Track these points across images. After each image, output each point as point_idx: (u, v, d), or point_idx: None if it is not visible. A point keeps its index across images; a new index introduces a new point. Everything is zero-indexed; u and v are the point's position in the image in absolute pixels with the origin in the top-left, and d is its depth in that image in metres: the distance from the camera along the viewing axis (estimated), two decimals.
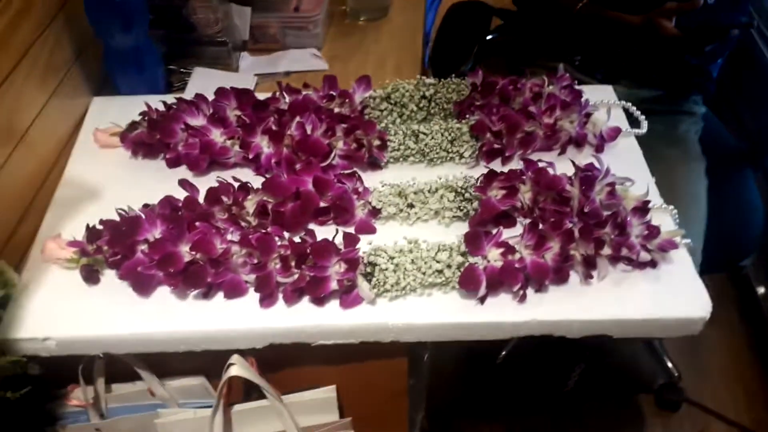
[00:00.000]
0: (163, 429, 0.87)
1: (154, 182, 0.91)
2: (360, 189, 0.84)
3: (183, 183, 0.82)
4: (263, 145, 0.89)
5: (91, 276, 0.77)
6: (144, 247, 0.75)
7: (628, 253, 0.77)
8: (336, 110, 0.95)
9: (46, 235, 0.83)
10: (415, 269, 0.75)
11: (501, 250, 0.75)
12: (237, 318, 0.75)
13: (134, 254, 0.75)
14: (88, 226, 0.79)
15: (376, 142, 0.90)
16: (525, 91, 0.97)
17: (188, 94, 1.10)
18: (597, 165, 0.85)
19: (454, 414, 1.63)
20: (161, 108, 0.94)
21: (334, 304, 0.76)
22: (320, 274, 0.73)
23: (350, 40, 1.25)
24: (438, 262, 0.75)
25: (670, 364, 1.65)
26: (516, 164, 0.92)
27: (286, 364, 0.86)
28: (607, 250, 0.77)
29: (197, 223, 0.75)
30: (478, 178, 0.84)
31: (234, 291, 0.75)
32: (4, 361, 0.71)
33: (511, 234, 0.78)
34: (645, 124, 0.99)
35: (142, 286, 0.75)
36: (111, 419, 0.90)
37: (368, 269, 0.75)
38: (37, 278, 0.79)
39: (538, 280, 0.75)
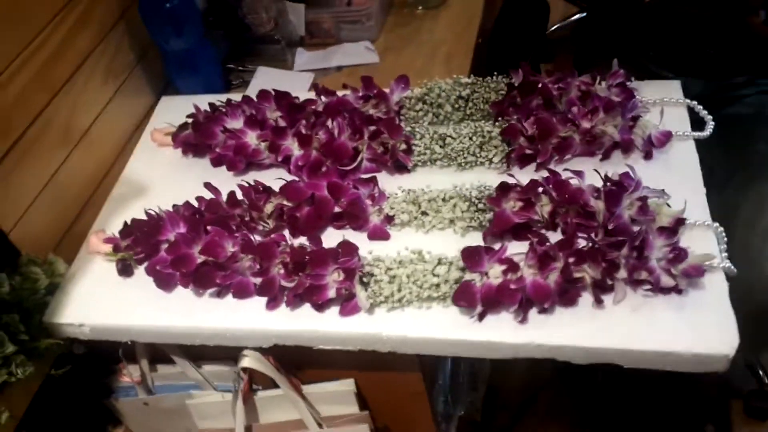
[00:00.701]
0: (194, 409, 0.95)
1: (200, 181, 0.96)
2: (376, 194, 0.84)
3: (207, 185, 0.86)
4: (293, 147, 0.92)
5: (125, 269, 0.84)
6: (166, 246, 0.81)
7: (648, 277, 0.71)
8: (371, 112, 0.95)
9: (98, 228, 0.92)
10: (411, 282, 0.74)
11: (503, 267, 0.72)
12: (245, 318, 0.78)
13: (157, 253, 0.81)
14: (125, 223, 0.87)
15: (402, 146, 0.89)
16: (571, 90, 0.91)
17: (251, 93, 1.16)
18: (632, 175, 0.78)
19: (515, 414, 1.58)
20: (209, 108, 0.99)
21: (334, 310, 0.77)
22: (317, 282, 0.74)
23: (405, 30, 1.23)
24: (435, 275, 0.74)
25: (761, 371, 1.50)
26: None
27: (307, 360, 0.89)
28: (622, 273, 0.71)
29: (209, 228, 0.79)
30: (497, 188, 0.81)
31: (242, 292, 0.79)
32: (47, 343, 0.81)
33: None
34: (710, 126, 0.88)
35: (163, 282, 0.81)
36: (157, 395, 0.99)
37: (366, 279, 0.75)
38: (83, 269, 0.88)
39: (538, 302, 0.71)
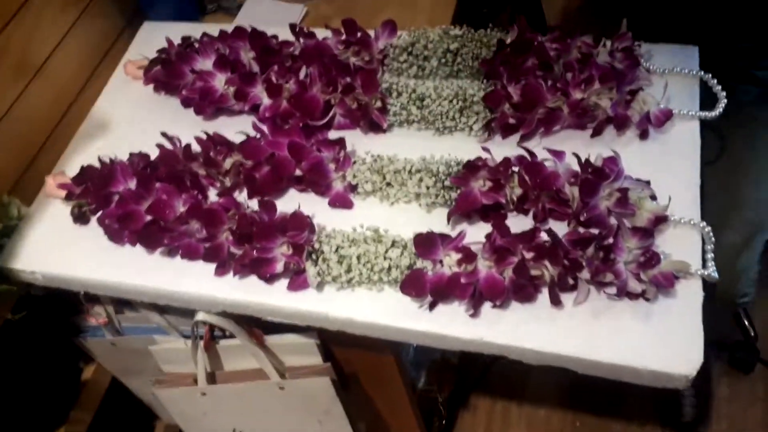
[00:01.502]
0: (157, 354, 0.94)
1: (170, 121, 0.92)
2: (341, 158, 0.78)
3: (164, 135, 0.81)
4: (262, 96, 0.85)
5: (80, 217, 0.82)
6: (117, 195, 0.78)
7: (614, 280, 0.65)
8: (351, 60, 0.87)
9: (63, 166, 0.89)
10: (361, 264, 0.69)
11: (459, 256, 0.67)
12: (193, 282, 0.76)
13: (109, 205, 0.78)
14: (81, 168, 0.83)
15: (377, 104, 0.82)
16: (571, 52, 0.81)
17: (239, 22, 1.09)
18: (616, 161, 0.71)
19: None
20: (182, 42, 0.93)
21: (284, 282, 0.73)
22: (264, 255, 0.71)
23: None
24: (387, 259, 0.69)
25: (746, 322, 1.44)
26: (537, 142, 0.80)
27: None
28: (586, 274, 0.65)
29: (159, 185, 0.75)
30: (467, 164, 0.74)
31: (190, 255, 0.75)
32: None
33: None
34: (721, 105, 0.79)
35: (113, 236, 0.78)
36: (124, 337, 0.99)
37: (315, 256, 0.71)
38: (41, 211, 0.85)
39: (490, 298, 0.66)
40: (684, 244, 0.69)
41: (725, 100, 0.79)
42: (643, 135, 0.77)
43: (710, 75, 0.81)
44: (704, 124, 0.79)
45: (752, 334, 1.47)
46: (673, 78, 0.82)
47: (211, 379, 0.94)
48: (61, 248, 0.81)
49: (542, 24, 1.42)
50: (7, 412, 0.93)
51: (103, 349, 1.02)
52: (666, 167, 0.75)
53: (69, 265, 0.80)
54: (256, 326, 0.87)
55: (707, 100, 0.81)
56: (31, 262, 0.81)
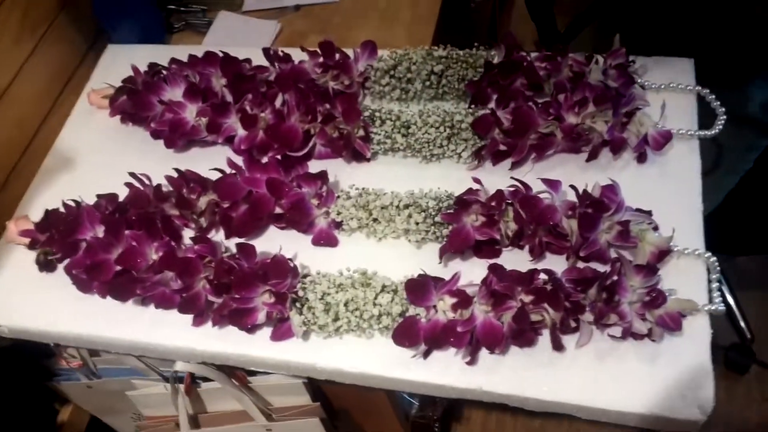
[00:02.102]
0: (136, 400, 0.89)
1: (139, 154, 0.86)
2: (324, 193, 0.73)
3: (132, 175, 0.76)
4: (237, 127, 0.80)
5: (46, 265, 0.76)
6: (85, 242, 0.72)
7: (618, 322, 0.61)
8: (330, 84, 0.82)
9: (26, 209, 0.83)
10: (349, 312, 0.65)
11: (454, 300, 0.63)
12: (169, 333, 0.71)
13: (76, 252, 0.73)
14: (46, 212, 0.78)
15: (360, 133, 0.77)
16: (562, 71, 0.77)
17: (209, 42, 1.03)
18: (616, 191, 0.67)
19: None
20: (149, 70, 0.87)
21: (267, 331, 0.69)
22: (244, 305, 0.66)
23: None
24: (377, 305, 0.65)
25: (743, 324, 1.47)
26: (529, 168, 0.76)
27: None
28: (588, 316, 0.61)
29: (128, 232, 0.70)
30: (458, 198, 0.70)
31: (165, 304, 0.70)
32: None
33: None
34: (720, 122, 0.75)
35: (82, 286, 0.73)
36: (101, 380, 0.93)
37: (300, 303, 0.66)
38: (4, 258, 0.80)
39: (488, 347, 0.62)
40: (689, 277, 0.66)
41: (724, 117, 0.75)
42: (641, 158, 0.73)
43: (708, 90, 0.78)
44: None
45: (748, 336, 1.46)
46: (668, 94, 0.79)
47: (195, 423, 0.89)
48: (27, 298, 0.76)
49: (551, 19, 1.35)
50: None
51: (79, 392, 0.96)
52: (666, 193, 0.71)
53: (36, 317, 0.75)
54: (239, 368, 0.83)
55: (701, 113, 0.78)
56: None
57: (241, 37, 1.03)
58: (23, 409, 0.95)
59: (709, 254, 0.66)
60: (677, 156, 0.74)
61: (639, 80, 0.78)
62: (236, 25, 1.04)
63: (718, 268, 0.66)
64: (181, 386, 0.84)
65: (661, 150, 0.73)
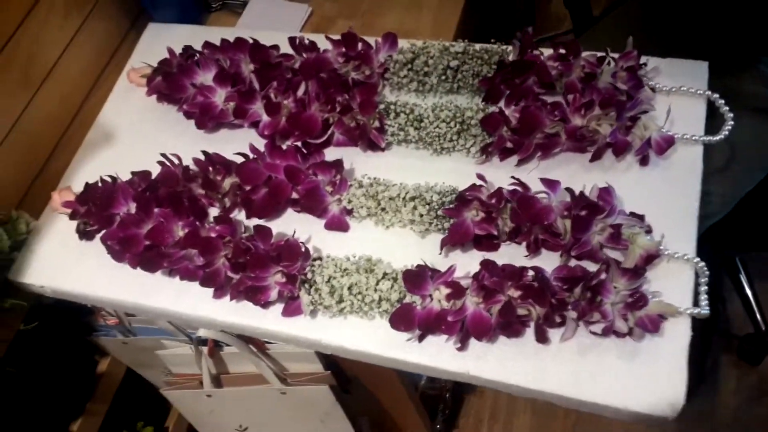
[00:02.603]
0: (165, 358, 0.98)
1: (172, 132, 0.93)
2: (338, 182, 0.78)
3: (164, 155, 0.82)
4: (261, 113, 0.85)
5: (85, 234, 0.84)
6: (120, 216, 0.80)
7: (601, 320, 0.65)
8: (351, 74, 0.87)
9: (69, 180, 0.91)
10: (352, 295, 0.70)
11: (448, 291, 0.68)
12: (192, 303, 0.78)
13: (111, 225, 0.80)
14: (86, 185, 0.85)
15: (375, 124, 0.82)
16: (573, 71, 0.79)
17: (243, 22, 1.08)
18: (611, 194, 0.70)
19: None
20: (184, 53, 0.93)
21: (279, 307, 0.75)
22: (258, 283, 0.72)
23: None
24: (378, 291, 0.70)
25: (759, 315, 1.46)
26: (535, 165, 0.79)
27: None
28: (573, 313, 0.65)
29: (157, 210, 0.76)
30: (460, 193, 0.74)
31: (189, 277, 0.77)
32: (10, 302, 0.83)
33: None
34: (727, 127, 0.77)
35: (115, 256, 0.80)
36: (135, 338, 1.02)
37: (308, 285, 0.72)
38: (48, 225, 0.88)
39: (476, 336, 0.67)
40: (676, 279, 0.69)
41: (731, 123, 0.77)
42: (644, 161, 0.76)
43: (717, 95, 0.79)
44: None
45: (763, 328, 1.47)
46: (679, 97, 0.80)
47: (216, 382, 0.97)
48: (68, 264, 0.84)
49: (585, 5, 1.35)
50: (27, 406, 0.98)
51: (115, 347, 1.06)
52: (665, 196, 0.74)
53: (75, 281, 0.83)
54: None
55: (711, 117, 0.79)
56: (40, 277, 0.84)
57: (273, 20, 1.07)
58: (67, 360, 1.05)
59: (698, 259, 0.69)
60: (680, 160, 0.76)
61: (650, 83, 0.80)
62: (269, 8, 1.08)
63: (707, 273, 0.69)
64: (205, 349, 0.92)
65: (664, 154, 0.75)
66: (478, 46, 0.85)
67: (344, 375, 1.00)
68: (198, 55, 0.92)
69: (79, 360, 1.07)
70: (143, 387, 1.20)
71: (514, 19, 1.68)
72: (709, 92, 0.79)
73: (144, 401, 1.20)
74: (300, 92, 0.84)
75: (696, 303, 0.67)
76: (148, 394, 1.21)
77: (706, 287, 0.69)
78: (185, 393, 0.98)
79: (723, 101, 0.78)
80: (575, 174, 0.77)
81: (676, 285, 0.68)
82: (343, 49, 0.87)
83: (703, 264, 0.69)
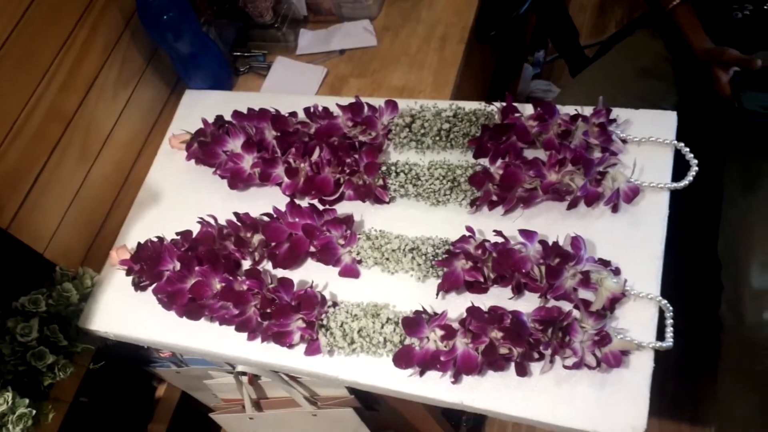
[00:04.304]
0: (212, 387, 1.12)
1: (208, 192, 1.07)
2: (348, 235, 0.91)
3: (201, 218, 0.96)
4: (283, 175, 0.99)
5: (139, 286, 0.99)
6: (167, 272, 0.94)
7: (572, 356, 0.76)
8: (360, 137, 0.99)
9: (124, 238, 1.06)
10: (361, 337, 0.83)
11: (442, 333, 0.79)
12: (230, 344, 0.91)
13: (160, 279, 0.94)
14: (138, 244, 1.00)
15: (379, 182, 0.94)
16: (550, 129, 0.90)
17: (268, 84, 1.22)
18: (581, 244, 0.80)
19: None
20: (215, 122, 1.07)
21: (303, 347, 0.88)
22: (282, 329, 0.85)
23: (406, 3, 1.25)
24: (382, 334, 0.82)
25: None
26: (519, 213, 0.90)
27: None
28: (548, 350, 0.76)
29: (197, 268, 0.91)
30: (451, 245, 0.85)
31: (226, 323, 0.91)
32: (81, 346, 0.98)
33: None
34: (691, 174, 0.86)
35: (165, 305, 0.95)
36: (186, 368, 1.17)
37: (325, 329, 0.85)
38: (108, 278, 1.03)
39: (466, 372, 0.78)
40: (642, 316, 0.79)
41: (696, 169, 0.86)
42: (614, 209, 0.86)
43: (683, 144, 0.88)
44: (732, 158, 0.86)
45: None
46: (648, 147, 0.90)
47: (257, 406, 1.11)
48: (126, 312, 0.99)
49: (570, 26, 1.45)
50: (98, 430, 1.15)
51: (170, 375, 1.21)
52: (633, 240, 0.84)
53: (132, 327, 0.98)
54: None
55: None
56: (103, 324, 0.99)
57: (294, 81, 1.20)
58: (129, 387, 1.21)
59: (660, 298, 0.79)
60: (648, 206, 0.86)
61: (621, 135, 0.90)
62: (290, 70, 1.22)
63: (671, 309, 0.79)
64: (245, 378, 1.06)
65: (631, 202, 0.85)
66: (467, 108, 0.96)
67: (370, 396, 1.12)
68: (227, 125, 1.05)
69: (140, 386, 1.23)
70: (197, 408, 1.35)
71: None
72: (676, 141, 0.89)
73: (197, 421, 1.35)
74: (315, 156, 0.97)
75: (662, 337, 0.77)
76: (201, 414, 1.36)
77: (672, 321, 0.78)
78: (231, 416, 1.12)
79: (688, 149, 0.88)
80: (554, 221, 0.88)
81: (642, 321, 0.78)
82: (351, 115, 1.00)
83: (665, 302, 0.79)
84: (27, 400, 0.87)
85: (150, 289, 0.97)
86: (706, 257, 1.15)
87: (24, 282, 0.97)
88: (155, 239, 0.98)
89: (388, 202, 0.96)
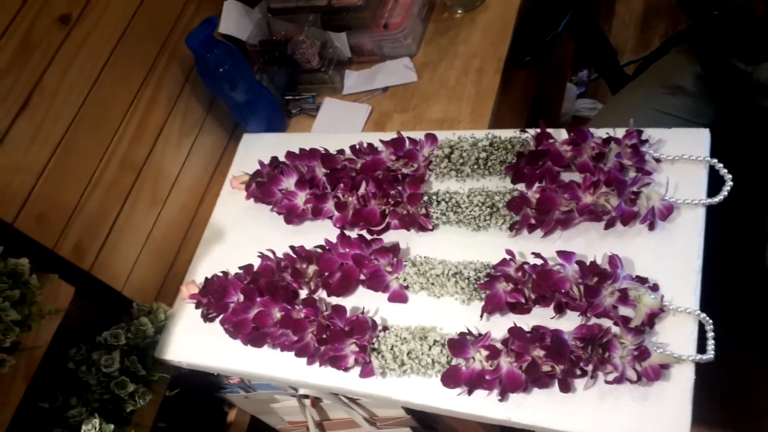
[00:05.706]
0: (278, 410, 1.20)
1: (267, 228, 1.15)
2: (394, 263, 0.97)
3: (261, 255, 1.04)
4: (332, 209, 1.06)
5: (208, 318, 1.07)
6: (232, 304, 1.02)
7: (613, 371, 0.79)
8: (402, 170, 1.05)
9: (193, 273, 1.16)
10: (411, 359, 0.88)
11: (487, 353, 0.84)
12: (292, 368, 0.98)
13: (226, 311, 1.03)
14: (206, 279, 1.09)
15: (422, 212, 1.00)
16: (584, 153, 0.94)
17: (318, 124, 1.30)
18: (618, 262, 0.84)
19: None
20: (271, 162, 1.15)
21: (357, 370, 0.94)
22: (337, 354, 0.92)
23: (443, 39, 1.32)
24: (430, 356, 0.87)
25: None
26: (558, 235, 0.94)
27: None
28: (590, 366, 0.80)
29: (259, 299, 0.98)
30: (493, 268, 0.90)
31: (287, 349, 0.98)
32: (158, 375, 1.08)
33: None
34: (726, 188, 0.88)
35: (231, 335, 1.02)
36: (254, 393, 1.25)
37: (377, 352, 0.91)
38: (180, 311, 1.12)
39: (511, 390, 0.82)
40: (681, 330, 0.81)
41: (731, 184, 0.88)
42: (651, 226, 0.89)
43: (716, 160, 0.90)
44: None
45: None
46: (682, 164, 0.92)
47: (320, 427, 1.18)
48: (197, 342, 1.07)
49: (606, 46, 1.47)
50: None
51: (239, 400, 1.29)
52: (670, 256, 0.86)
53: (203, 355, 1.06)
54: None
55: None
56: (177, 354, 1.08)
57: (341, 120, 1.28)
58: (202, 411, 1.29)
59: (699, 312, 0.81)
60: (684, 222, 0.88)
61: (655, 154, 0.93)
62: (337, 110, 1.30)
63: (711, 323, 0.80)
64: (308, 401, 1.13)
65: (667, 219, 0.88)
66: (503, 136, 1.01)
67: (427, 415, 1.17)
68: (282, 165, 1.14)
69: (212, 412, 1.32)
70: (265, 431, 1.43)
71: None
72: (709, 158, 0.91)
73: None
74: (361, 190, 1.03)
75: (702, 350, 0.79)
76: None
77: (713, 334, 0.80)
78: None
79: (722, 165, 0.90)
80: (593, 241, 0.91)
81: (681, 334, 0.81)
82: (393, 149, 1.06)
83: (704, 315, 0.81)
84: (112, 426, 0.96)
85: (217, 320, 1.06)
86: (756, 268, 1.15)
87: (106, 318, 1.07)
88: (220, 274, 1.07)
89: (431, 230, 1.01)
